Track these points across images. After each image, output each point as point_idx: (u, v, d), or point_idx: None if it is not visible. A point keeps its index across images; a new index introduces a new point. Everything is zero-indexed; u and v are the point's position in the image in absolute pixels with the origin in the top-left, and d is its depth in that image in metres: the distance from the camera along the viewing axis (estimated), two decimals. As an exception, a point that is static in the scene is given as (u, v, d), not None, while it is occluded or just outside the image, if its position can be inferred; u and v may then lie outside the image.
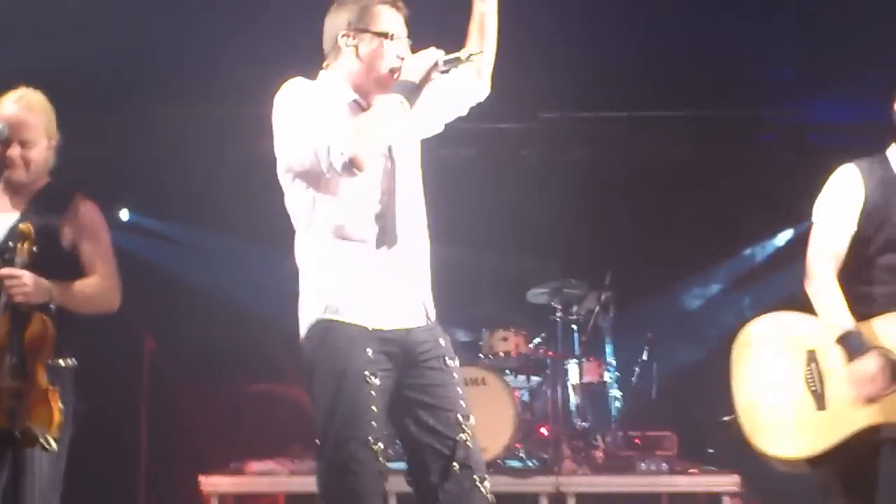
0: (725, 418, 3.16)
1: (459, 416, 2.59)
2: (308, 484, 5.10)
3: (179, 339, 6.33)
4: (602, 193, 6.96)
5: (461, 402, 2.62)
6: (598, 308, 6.17)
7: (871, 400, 2.86)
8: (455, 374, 2.65)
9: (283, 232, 2.79)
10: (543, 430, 5.76)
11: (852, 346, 2.88)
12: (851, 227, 3.02)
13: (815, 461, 2.95)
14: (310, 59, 2.90)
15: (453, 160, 6.48)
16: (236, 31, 5.56)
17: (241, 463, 5.52)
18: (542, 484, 5.16)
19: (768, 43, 6.02)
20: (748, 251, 7.27)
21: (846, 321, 2.91)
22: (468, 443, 2.57)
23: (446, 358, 2.65)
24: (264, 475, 5.41)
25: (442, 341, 2.67)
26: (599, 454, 5.62)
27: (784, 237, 7.11)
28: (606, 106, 7.00)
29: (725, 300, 7.12)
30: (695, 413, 5.57)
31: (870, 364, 2.85)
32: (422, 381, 2.61)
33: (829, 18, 5.61)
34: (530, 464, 5.44)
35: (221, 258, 6.92)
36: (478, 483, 2.56)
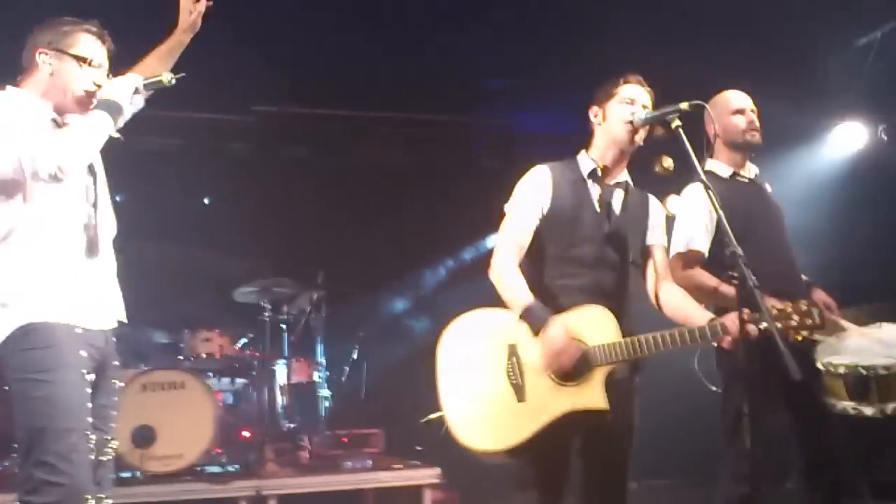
0: (429, 416, 3.18)
1: (108, 437, 2.86)
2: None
3: None
4: (316, 192, 6.85)
5: (112, 424, 2.90)
6: (309, 308, 6.08)
7: (562, 372, 2.95)
8: (116, 397, 2.94)
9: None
10: (246, 434, 5.56)
11: (535, 317, 2.98)
12: (535, 222, 3.16)
13: (515, 452, 3.02)
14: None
15: (156, 151, 6.14)
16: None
17: None
18: (242, 488, 4.93)
19: (483, 53, 6.20)
20: (459, 253, 7.47)
21: (526, 299, 3.01)
22: (108, 463, 2.86)
23: (116, 381, 2.95)
24: None
25: (116, 361, 2.94)
26: (305, 455, 5.50)
27: (492, 241, 7.32)
28: (324, 103, 6.93)
29: (436, 300, 7.26)
30: (403, 410, 5.60)
31: (555, 331, 2.94)
32: (98, 394, 2.80)
33: (540, 32, 5.88)
34: (231, 468, 5.24)
35: None
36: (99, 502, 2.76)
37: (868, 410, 3.28)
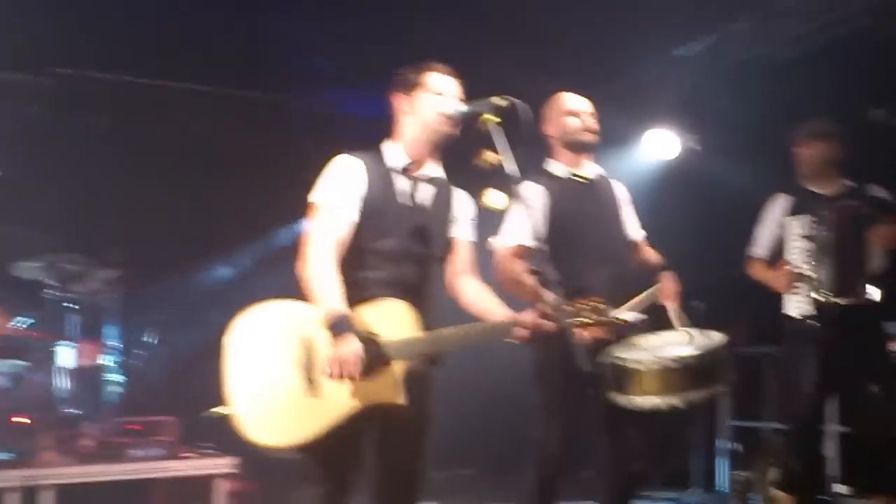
0: (214, 409, 3.04)
1: None
2: None
3: None
4: (119, 164, 6.37)
5: None
6: (102, 287, 5.67)
7: (349, 382, 2.87)
8: None
9: None
10: (23, 420, 5.13)
11: (335, 328, 2.87)
12: (354, 215, 3.06)
13: (304, 448, 2.92)
14: None
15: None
16: None
17: None
18: (13, 478, 4.57)
19: (307, 30, 6.01)
20: (272, 235, 7.22)
21: (335, 304, 2.90)
22: None
23: None
24: None
25: None
26: (89, 443, 5.13)
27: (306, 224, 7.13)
28: (131, 71, 6.51)
29: (243, 285, 6.99)
30: (202, 398, 5.33)
31: (345, 347, 2.85)
32: None
33: (364, 12, 5.77)
34: (3, 456, 4.82)
35: None
36: None
37: (624, 400, 3.38)
